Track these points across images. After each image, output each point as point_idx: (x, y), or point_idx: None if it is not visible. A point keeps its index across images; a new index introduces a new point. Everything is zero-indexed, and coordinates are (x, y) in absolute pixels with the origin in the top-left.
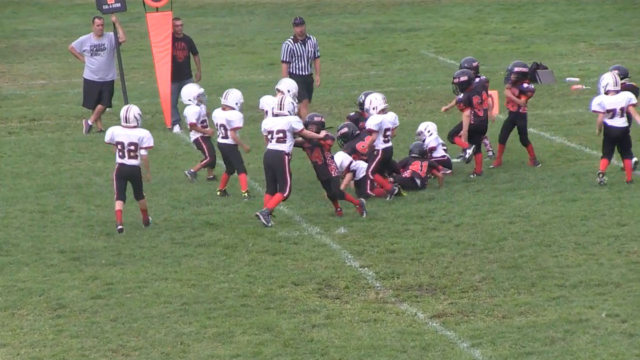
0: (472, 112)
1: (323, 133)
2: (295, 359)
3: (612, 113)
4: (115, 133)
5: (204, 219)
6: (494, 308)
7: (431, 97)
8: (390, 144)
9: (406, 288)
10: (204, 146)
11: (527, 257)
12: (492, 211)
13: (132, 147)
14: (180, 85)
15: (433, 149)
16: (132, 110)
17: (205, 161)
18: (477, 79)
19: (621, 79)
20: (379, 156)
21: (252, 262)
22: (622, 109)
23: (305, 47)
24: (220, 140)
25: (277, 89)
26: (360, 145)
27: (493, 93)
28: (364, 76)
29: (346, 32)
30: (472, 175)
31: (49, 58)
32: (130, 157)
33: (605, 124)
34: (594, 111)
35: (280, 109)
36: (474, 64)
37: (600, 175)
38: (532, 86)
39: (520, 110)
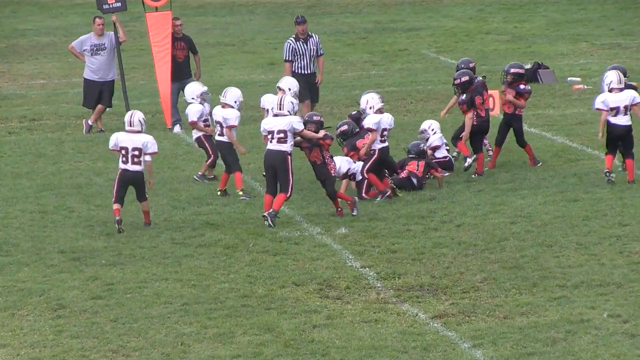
0: (475, 113)
1: (322, 132)
2: None
3: (615, 111)
4: (120, 139)
5: (205, 219)
6: (495, 308)
7: (432, 97)
8: (386, 143)
9: (407, 288)
10: (206, 144)
11: (528, 258)
12: (494, 211)
13: (136, 152)
14: (180, 85)
15: (436, 148)
16: (137, 115)
17: (209, 160)
18: (476, 79)
19: None
20: (375, 156)
21: (252, 262)
22: (625, 107)
23: (307, 45)
24: (217, 137)
25: (278, 86)
26: (361, 143)
27: (494, 93)
28: (364, 76)
29: (347, 32)
30: (473, 176)
31: (48, 58)
32: (133, 163)
33: (608, 122)
34: (597, 109)
35: (280, 109)
36: (471, 65)
37: (607, 173)
38: (529, 87)
39: (516, 112)
